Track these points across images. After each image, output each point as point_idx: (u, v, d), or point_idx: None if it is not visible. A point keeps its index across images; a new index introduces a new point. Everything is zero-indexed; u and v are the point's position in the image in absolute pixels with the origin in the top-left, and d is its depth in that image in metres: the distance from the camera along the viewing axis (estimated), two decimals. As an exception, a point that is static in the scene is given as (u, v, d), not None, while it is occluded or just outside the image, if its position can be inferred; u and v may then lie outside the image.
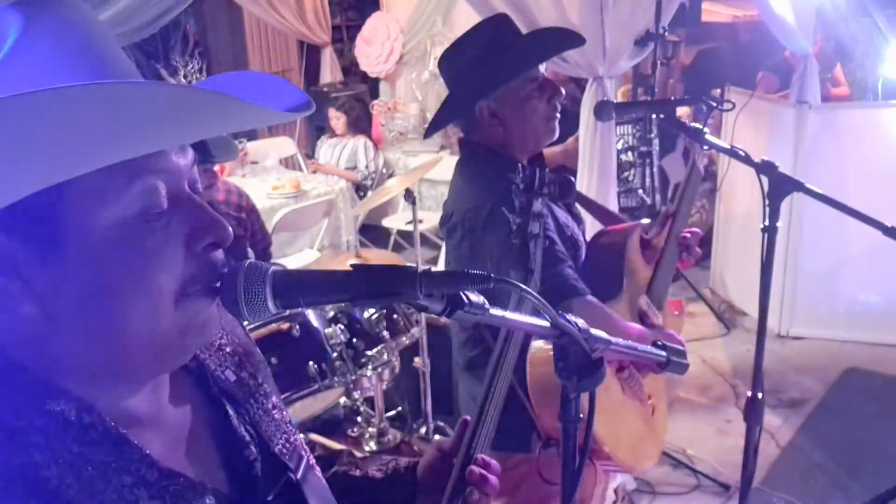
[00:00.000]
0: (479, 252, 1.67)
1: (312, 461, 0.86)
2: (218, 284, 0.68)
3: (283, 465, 0.80)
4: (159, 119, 0.58)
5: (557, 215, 1.78)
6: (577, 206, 2.04)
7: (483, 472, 0.99)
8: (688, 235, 1.98)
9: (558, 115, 1.80)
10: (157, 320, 0.64)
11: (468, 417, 1.06)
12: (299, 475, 0.81)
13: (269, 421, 0.83)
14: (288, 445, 0.83)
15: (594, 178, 3.18)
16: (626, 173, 4.28)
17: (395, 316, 2.79)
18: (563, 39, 1.99)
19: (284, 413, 0.87)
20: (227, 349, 0.85)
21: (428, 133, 1.95)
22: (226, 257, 0.70)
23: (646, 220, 2.03)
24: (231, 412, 0.79)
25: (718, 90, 4.65)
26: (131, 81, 0.57)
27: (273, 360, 2.38)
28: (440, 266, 4.88)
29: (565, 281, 1.62)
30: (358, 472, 1.05)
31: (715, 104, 1.98)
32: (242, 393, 0.82)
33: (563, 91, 1.81)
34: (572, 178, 1.79)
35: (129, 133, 0.57)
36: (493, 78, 1.72)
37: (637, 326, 1.71)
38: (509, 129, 1.76)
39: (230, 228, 0.68)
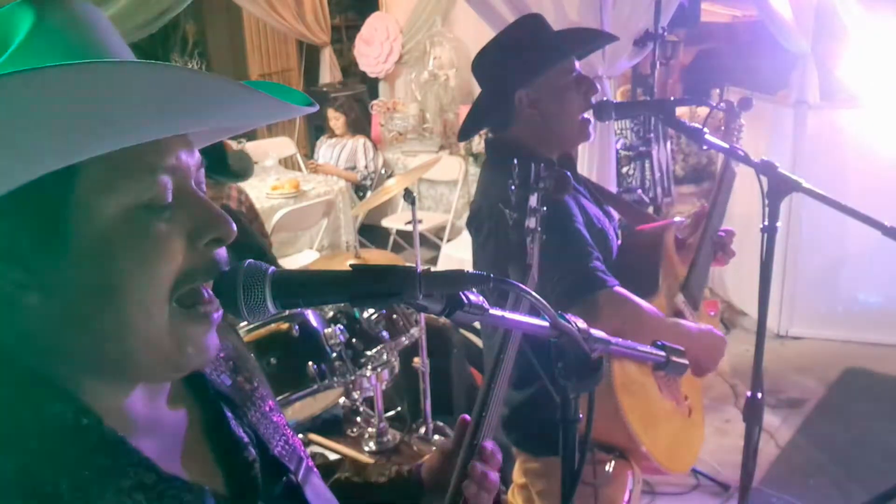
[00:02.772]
0: (506, 249, 1.66)
1: (312, 463, 0.86)
2: (216, 309, 0.68)
3: (282, 467, 0.80)
4: (166, 102, 0.59)
5: (588, 209, 1.77)
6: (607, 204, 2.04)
7: (485, 469, 0.99)
8: (723, 234, 1.97)
9: (590, 116, 1.82)
10: (151, 314, 0.64)
11: (467, 416, 1.06)
12: (300, 477, 0.81)
13: (266, 423, 0.83)
14: (287, 447, 0.83)
15: (593, 179, 3.18)
16: (624, 168, 4.27)
17: (394, 316, 2.78)
18: (596, 35, 2.05)
19: (282, 416, 0.87)
20: (221, 354, 0.84)
21: (464, 135, 1.93)
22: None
23: (678, 218, 2.03)
24: (229, 414, 0.78)
25: (718, 90, 4.65)
26: (140, 62, 0.58)
27: (272, 361, 2.38)
28: (440, 266, 4.88)
29: (592, 273, 1.60)
30: (359, 480, 1.04)
31: (715, 105, 1.99)
32: (239, 396, 0.82)
33: (598, 87, 1.83)
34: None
35: (135, 117, 0.58)
36: (534, 64, 1.73)
37: (668, 319, 1.70)
38: (548, 119, 1.76)
39: (234, 225, 0.68)
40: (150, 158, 0.63)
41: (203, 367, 0.71)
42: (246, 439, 0.78)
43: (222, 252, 0.69)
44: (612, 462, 1.67)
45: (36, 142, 0.56)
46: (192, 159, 0.68)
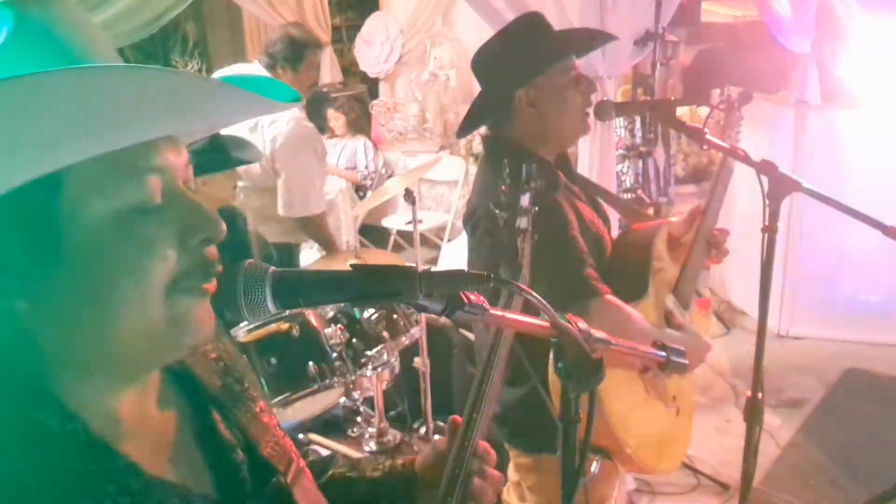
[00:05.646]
0: (498, 249, 1.67)
1: (303, 464, 0.85)
2: (211, 283, 0.67)
3: (271, 469, 0.79)
4: (150, 104, 0.58)
5: (582, 213, 1.77)
6: (603, 203, 2.04)
7: (483, 465, 0.99)
8: (717, 233, 1.96)
9: (591, 112, 1.82)
10: (147, 312, 0.64)
11: (458, 416, 1.06)
12: (289, 478, 0.80)
13: (256, 425, 0.82)
14: (277, 448, 0.82)
15: (593, 178, 3.18)
16: (618, 166, 4.26)
17: (394, 316, 2.79)
18: (596, 35, 2.05)
19: (273, 417, 0.87)
20: (212, 356, 0.84)
21: (462, 132, 1.93)
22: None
23: (674, 218, 2.02)
24: (218, 417, 0.78)
25: (718, 90, 4.65)
26: (122, 65, 0.58)
27: (272, 361, 2.38)
28: (440, 266, 4.88)
29: (586, 281, 1.61)
30: (354, 474, 1.04)
31: (715, 105, 1.98)
32: (229, 398, 0.82)
33: (597, 86, 1.83)
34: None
35: (120, 120, 0.58)
36: (534, 63, 1.73)
37: (654, 327, 1.70)
38: (547, 118, 1.76)
39: (224, 224, 0.68)
40: (137, 160, 0.63)
41: (200, 344, 0.71)
42: (234, 441, 0.77)
43: (213, 251, 0.69)
44: (597, 462, 1.68)
45: (20, 148, 0.55)
46: (179, 158, 0.68)
